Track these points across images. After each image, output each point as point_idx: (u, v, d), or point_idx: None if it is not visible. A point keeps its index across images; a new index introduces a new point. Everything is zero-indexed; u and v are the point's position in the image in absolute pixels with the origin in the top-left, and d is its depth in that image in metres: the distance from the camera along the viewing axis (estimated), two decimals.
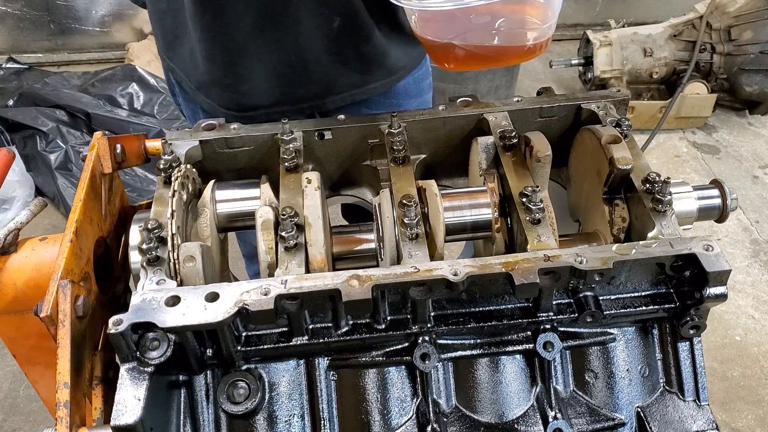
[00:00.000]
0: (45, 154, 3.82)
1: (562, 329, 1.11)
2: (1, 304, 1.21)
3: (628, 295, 1.12)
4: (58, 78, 4.52)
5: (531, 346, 1.10)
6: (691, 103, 4.37)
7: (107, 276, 1.25)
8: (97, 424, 1.01)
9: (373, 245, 1.25)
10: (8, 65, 4.71)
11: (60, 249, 1.07)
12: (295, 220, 1.09)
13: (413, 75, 1.84)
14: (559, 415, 1.08)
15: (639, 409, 1.13)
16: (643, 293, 1.12)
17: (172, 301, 0.97)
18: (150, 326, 0.94)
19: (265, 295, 0.98)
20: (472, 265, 1.03)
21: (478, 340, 1.11)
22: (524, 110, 1.37)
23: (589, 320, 1.09)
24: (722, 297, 1.05)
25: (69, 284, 1.03)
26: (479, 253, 1.46)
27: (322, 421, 1.07)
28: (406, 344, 1.09)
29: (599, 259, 1.03)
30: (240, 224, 1.29)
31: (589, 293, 1.09)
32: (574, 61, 4.66)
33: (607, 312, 1.09)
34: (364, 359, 1.09)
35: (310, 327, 1.05)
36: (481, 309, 1.09)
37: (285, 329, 1.05)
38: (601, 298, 1.10)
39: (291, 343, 1.05)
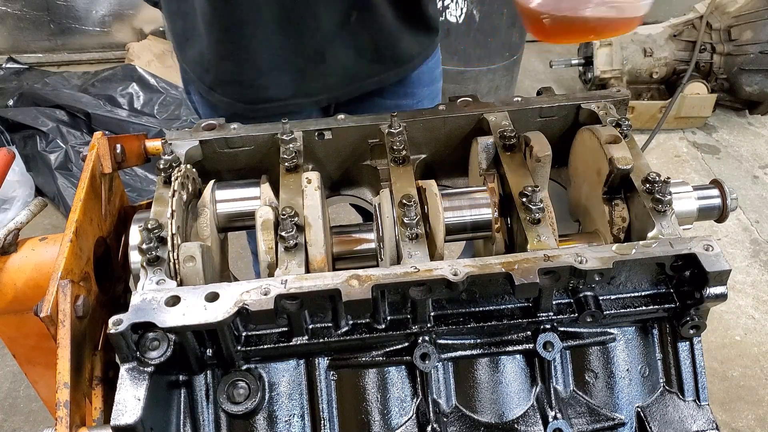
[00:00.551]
0: (45, 154, 3.82)
1: (562, 329, 1.11)
2: (1, 304, 1.21)
3: (628, 295, 1.12)
4: (58, 78, 4.53)
5: (531, 346, 1.10)
6: (691, 103, 4.37)
7: (107, 276, 1.25)
8: (97, 424, 1.01)
9: (373, 245, 1.25)
10: (8, 65, 4.71)
11: (60, 249, 1.07)
12: (295, 220, 1.09)
13: (427, 63, 1.87)
14: (559, 415, 1.08)
15: (639, 409, 1.13)
16: (643, 293, 1.12)
17: (172, 301, 0.97)
18: (150, 326, 0.94)
19: (265, 295, 0.98)
20: (472, 265, 1.03)
21: (478, 340, 1.11)
22: (524, 110, 1.37)
23: (589, 320, 1.09)
24: (722, 297, 1.05)
25: (69, 284, 1.03)
26: (479, 253, 1.46)
27: (322, 421, 1.07)
28: (406, 344, 1.08)
29: (599, 259, 1.03)
30: (240, 224, 1.29)
31: (589, 293, 1.09)
32: (574, 61, 4.66)
33: (607, 312, 1.09)
34: (364, 359, 1.09)
35: (310, 327, 1.05)
36: (481, 309, 1.09)
37: (285, 329, 1.05)
38: (601, 298, 1.10)
39: (291, 343, 1.05)
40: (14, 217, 1.28)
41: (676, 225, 1.11)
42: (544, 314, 1.08)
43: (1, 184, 1.26)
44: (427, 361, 1.05)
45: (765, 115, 4.65)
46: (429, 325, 1.07)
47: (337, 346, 1.07)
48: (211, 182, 1.27)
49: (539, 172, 1.26)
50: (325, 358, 1.09)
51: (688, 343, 1.14)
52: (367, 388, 1.09)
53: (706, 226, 3.56)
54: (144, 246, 1.05)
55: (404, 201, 1.11)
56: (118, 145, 1.29)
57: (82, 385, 1.03)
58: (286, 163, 1.25)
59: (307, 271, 1.07)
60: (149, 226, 1.05)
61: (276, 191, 1.24)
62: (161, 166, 1.21)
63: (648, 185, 1.14)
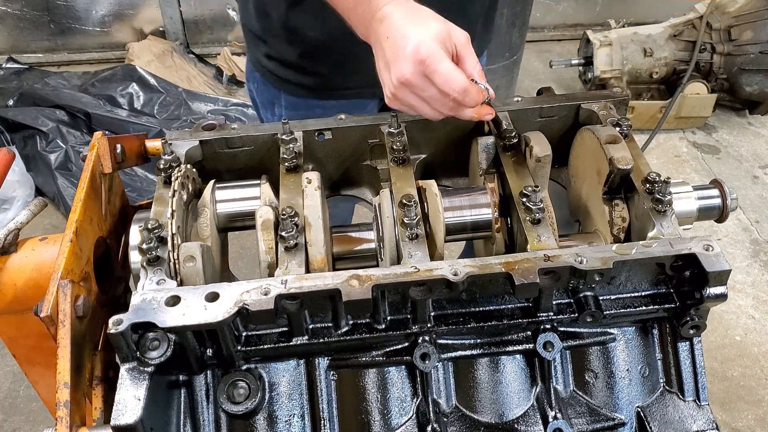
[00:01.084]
0: (45, 154, 3.82)
1: (562, 329, 1.11)
2: (1, 304, 1.21)
3: (628, 295, 1.12)
4: (58, 78, 4.52)
5: (531, 346, 1.10)
6: (691, 103, 4.37)
7: (107, 276, 1.25)
8: (97, 424, 1.01)
9: (373, 245, 1.25)
10: (8, 65, 4.71)
11: (60, 249, 1.07)
12: (295, 220, 1.09)
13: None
14: (559, 415, 1.08)
15: (639, 409, 1.13)
16: (643, 293, 1.12)
17: (172, 301, 0.97)
18: (150, 326, 0.94)
19: (265, 295, 0.98)
20: (472, 265, 1.03)
21: (478, 340, 1.11)
22: (524, 110, 1.37)
23: (589, 320, 1.09)
24: (722, 297, 1.05)
25: (69, 284, 1.03)
26: (479, 253, 1.46)
27: (322, 421, 1.07)
28: (406, 344, 1.09)
29: (599, 259, 1.03)
30: (240, 224, 1.29)
31: (589, 293, 1.09)
32: (574, 61, 4.65)
33: (607, 312, 1.09)
34: (364, 359, 1.09)
35: (310, 327, 1.05)
36: (481, 309, 1.09)
37: (285, 329, 1.05)
38: (601, 298, 1.10)
39: (291, 343, 1.05)
40: (14, 217, 1.28)
41: (676, 225, 1.11)
42: (544, 314, 1.08)
43: (1, 184, 1.26)
44: (427, 361, 1.05)
45: (765, 115, 4.64)
46: (429, 325, 1.07)
47: (337, 346, 1.07)
48: (211, 182, 1.27)
49: (539, 172, 1.26)
50: (325, 358, 1.09)
51: (688, 343, 1.14)
52: (367, 388, 1.09)
53: (706, 226, 3.55)
54: (144, 246, 1.05)
55: (404, 201, 1.11)
56: (118, 145, 1.29)
57: (82, 385, 1.03)
58: (287, 163, 1.25)
59: (308, 271, 1.07)
60: (149, 226, 1.05)
61: (276, 191, 1.24)
62: (161, 166, 1.21)
63: (648, 185, 1.14)
